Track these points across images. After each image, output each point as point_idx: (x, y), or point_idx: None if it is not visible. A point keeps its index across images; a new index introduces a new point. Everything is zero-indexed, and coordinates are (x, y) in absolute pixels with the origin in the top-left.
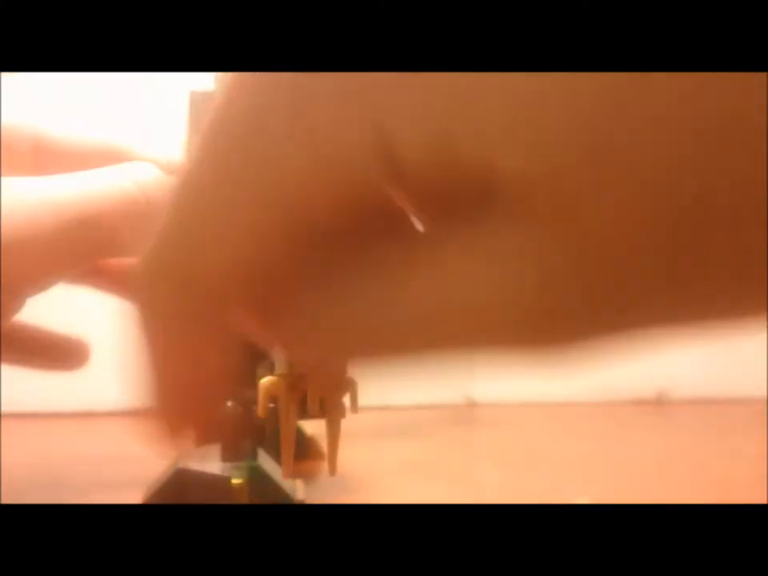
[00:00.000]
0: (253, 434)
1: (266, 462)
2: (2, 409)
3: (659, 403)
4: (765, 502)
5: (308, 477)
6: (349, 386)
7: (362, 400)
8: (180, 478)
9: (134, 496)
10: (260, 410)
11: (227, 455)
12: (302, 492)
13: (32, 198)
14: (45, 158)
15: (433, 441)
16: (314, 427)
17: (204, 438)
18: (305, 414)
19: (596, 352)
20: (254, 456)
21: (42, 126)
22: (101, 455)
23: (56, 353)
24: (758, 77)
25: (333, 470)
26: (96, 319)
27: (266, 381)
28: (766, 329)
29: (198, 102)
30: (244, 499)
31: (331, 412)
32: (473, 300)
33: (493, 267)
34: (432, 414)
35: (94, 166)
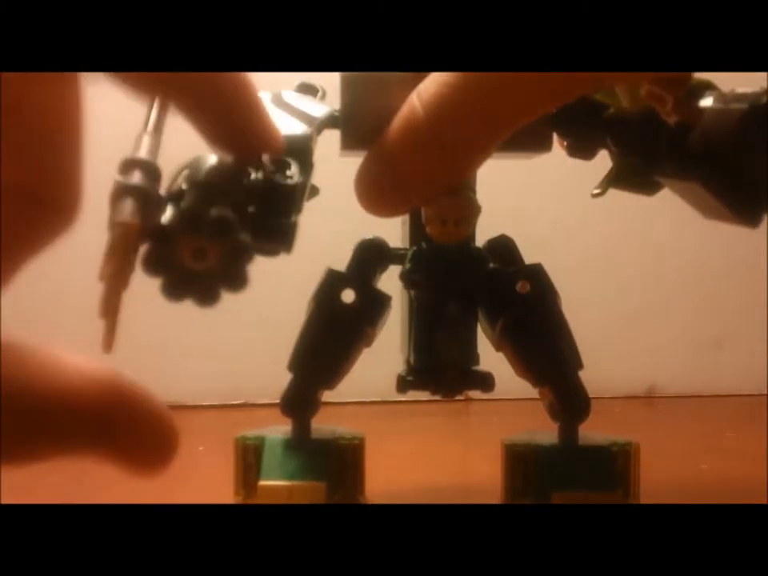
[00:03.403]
0: None
1: None
2: None
3: (650, 398)
4: (758, 498)
5: None
6: None
7: None
8: None
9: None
10: None
11: None
12: None
13: None
14: None
15: (435, 434)
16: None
17: None
18: None
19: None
20: None
21: None
22: None
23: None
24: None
25: None
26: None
27: None
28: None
29: None
30: None
31: None
32: None
33: None
34: (443, 408)
35: None
